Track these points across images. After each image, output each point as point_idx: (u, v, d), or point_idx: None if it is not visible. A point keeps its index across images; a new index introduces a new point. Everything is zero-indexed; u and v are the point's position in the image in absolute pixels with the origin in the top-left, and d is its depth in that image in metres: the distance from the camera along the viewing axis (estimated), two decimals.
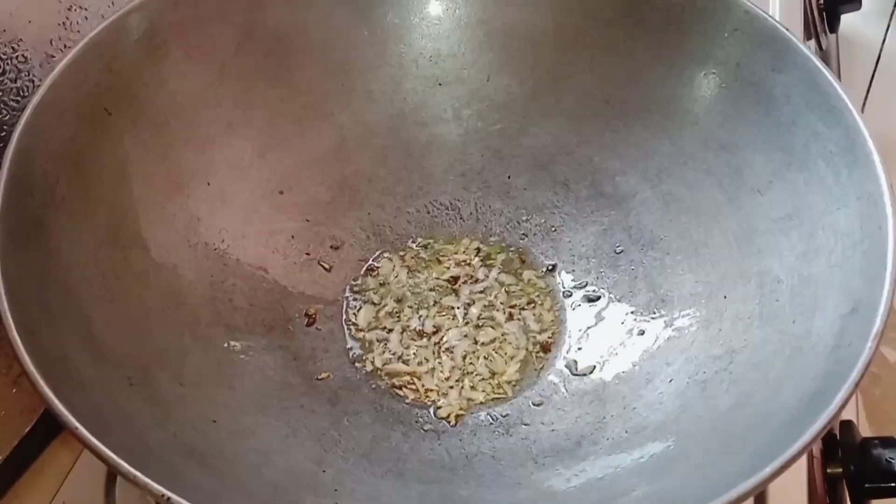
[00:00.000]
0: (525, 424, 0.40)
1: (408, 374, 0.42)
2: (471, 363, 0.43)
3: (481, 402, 0.42)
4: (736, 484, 0.29)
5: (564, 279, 0.46)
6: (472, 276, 0.46)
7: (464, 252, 0.47)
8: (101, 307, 0.37)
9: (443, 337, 0.44)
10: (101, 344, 0.35)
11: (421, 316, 0.45)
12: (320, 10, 0.46)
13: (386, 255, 0.47)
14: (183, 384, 0.37)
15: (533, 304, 0.45)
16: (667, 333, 0.42)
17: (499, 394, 0.42)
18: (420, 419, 0.41)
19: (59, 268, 0.36)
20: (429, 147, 0.49)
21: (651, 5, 0.44)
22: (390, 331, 0.44)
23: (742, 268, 0.41)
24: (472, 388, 0.42)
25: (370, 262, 0.47)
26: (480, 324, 0.44)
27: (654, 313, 0.43)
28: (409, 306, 0.45)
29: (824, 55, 0.66)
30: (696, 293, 0.42)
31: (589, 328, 0.44)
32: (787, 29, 0.41)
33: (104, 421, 0.31)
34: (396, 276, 0.46)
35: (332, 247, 0.46)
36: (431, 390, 0.42)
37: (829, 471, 0.42)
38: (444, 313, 0.45)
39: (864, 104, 0.68)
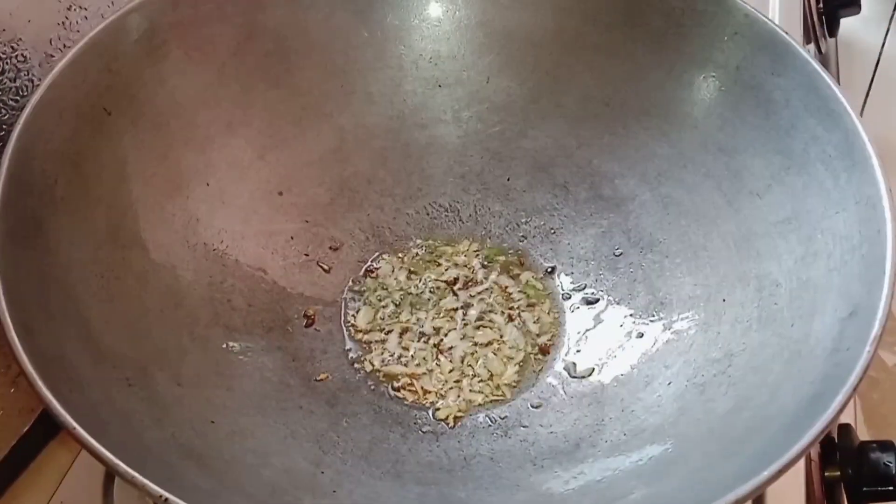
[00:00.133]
0: (523, 426, 0.40)
1: (406, 375, 0.42)
2: (469, 365, 0.43)
3: (480, 404, 0.42)
4: (734, 487, 0.29)
5: (563, 281, 0.46)
6: (471, 278, 0.46)
7: (463, 254, 0.47)
8: (99, 307, 0.37)
9: (442, 339, 0.44)
10: (99, 344, 0.35)
11: (420, 318, 0.45)
12: (320, 11, 0.46)
13: (385, 256, 0.47)
14: (181, 385, 0.37)
15: (532, 307, 0.45)
16: (665, 336, 0.42)
17: (497, 396, 0.42)
18: (418, 421, 0.41)
19: (58, 268, 0.36)
20: (428, 149, 0.49)
21: (651, 8, 0.44)
22: (389, 332, 0.44)
23: (741, 271, 0.41)
24: (471, 389, 0.42)
25: (369, 263, 0.47)
26: (479, 326, 0.44)
27: (653, 316, 0.43)
28: (408, 308, 0.45)
29: (824, 59, 0.66)
30: (695, 296, 0.42)
31: (588, 330, 0.44)
32: (786, 33, 0.41)
33: (102, 421, 0.31)
34: (395, 278, 0.46)
35: (331, 248, 0.46)
36: (430, 392, 0.42)
37: (826, 474, 0.42)
38: (443, 315, 0.45)
39: (863, 108, 0.68)
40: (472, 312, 0.45)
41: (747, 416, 0.35)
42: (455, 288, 0.46)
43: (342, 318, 0.45)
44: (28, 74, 0.40)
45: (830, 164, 0.38)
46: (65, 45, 0.41)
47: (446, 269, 0.47)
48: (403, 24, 0.48)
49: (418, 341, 0.44)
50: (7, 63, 0.39)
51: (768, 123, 0.41)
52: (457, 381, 0.42)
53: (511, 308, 0.45)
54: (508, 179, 0.48)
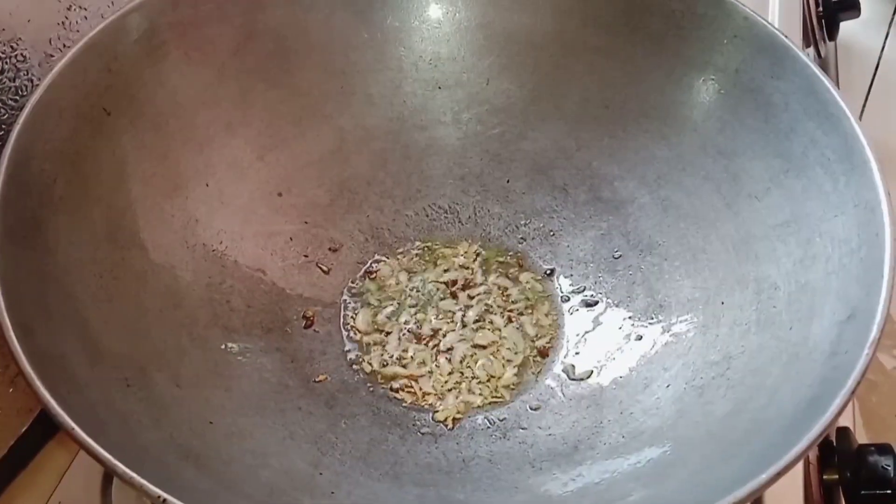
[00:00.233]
0: (522, 428, 0.40)
1: (405, 377, 0.42)
2: (468, 367, 0.43)
3: (479, 406, 0.42)
4: (732, 489, 0.29)
5: (562, 284, 0.46)
6: (470, 280, 0.46)
7: (462, 255, 0.47)
8: (98, 307, 0.37)
9: (441, 340, 0.44)
10: (98, 344, 0.35)
11: (419, 319, 0.45)
12: (320, 12, 0.46)
13: (384, 257, 0.47)
14: (180, 385, 0.37)
15: (531, 309, 0.45)
16: (664, 339, 0.42)
17: (496, 398, 0.42)
18: (417, 422, 0.41)
19: (57, 267, 0.36)
20: (428, 150, 0.49)
21: (651, 11, 0.44)
22: (388, 333, 0.44)
23: (739, 274, 0.41)
24: (470, 391, 0.42)
25: (368, 264, 0.47)
26: (478, 327, 0.44)
27: (652, 319, 0.43)
28: (407, 309, 0.45)
29: (823, 62, 0.66)
30: (694, 299, 0.42)
31: (587, 333, 0.44)
32: (786, 36, 0.41)
33: (100, 421, 0.31)
34: (395, 279, 0.46)
35: (330, 249, 0.46)
36: (429, 393, 0.42)
37: (825, 477, 0.42)
38: (442, 317, 0.45)
39: (862, 112, 0.68)
40: (471, 314, 0.45)
41: (746, 419, 0.35)
42: (454, 290, 0.46)
43: (341, 320, 0.45)
44: (27, 74, 0.40)
45: (829, 168, 0.38)
46: (64, 45, 0.41)
47: (445, 271, 0.47)
48: (404, 25, 0.48)
49: (417, 343, 0.44)
50: (6, 62, 0.39)
51: (767, 127, 0.41)
52: (456, 383, 0.42)
53: (510, 310, 0.45)
54: (508, 181, 0.48)
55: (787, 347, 0.36)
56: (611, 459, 0.37)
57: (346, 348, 0.44)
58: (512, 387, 0.42)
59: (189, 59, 0.43)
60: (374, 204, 0.48)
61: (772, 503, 0.40)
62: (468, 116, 0.48)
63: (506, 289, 0.46)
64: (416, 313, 0.45)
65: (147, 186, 0.41)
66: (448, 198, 0.48)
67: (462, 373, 0.43)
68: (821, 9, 0.66)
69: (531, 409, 0.41)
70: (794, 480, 0.41)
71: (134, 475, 0.28)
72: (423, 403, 0.42)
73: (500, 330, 0.44)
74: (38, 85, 0.37)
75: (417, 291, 0.46)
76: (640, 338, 0.43)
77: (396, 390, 0.42)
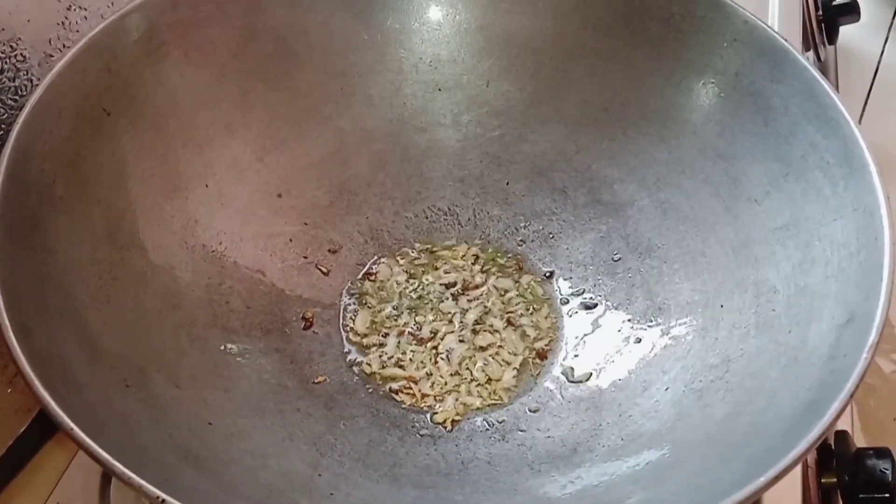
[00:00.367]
0: (521, 431, 0.40)
1: (404, 378, 0.42)
2: (467, 369, 0.43)
3: (478, 408, 0.42)
4: (731, 493, 0.29)
5: (562, 286, 0.46)
6: (469, 282, 0.46)
7: (462, 257, 0.47)
8: (97, 308, 0.37)
9: (440, 342, 0.44)
10: (97, 344, 0.35)
11: (418, 321, 0.45)
12: (320, 13, 0.46)
13: (384, 259, 0.47)
14: (179, 386, 0.37)
15: (530, 311, 0.45)
16: (663, 342, 0.42)
17: (495, 400, 0.42)
18: (416, 424, 0.41)
19: (56, 268, 0.36)
20: (428, 152, 0.49)
21: (650, 14, 0.44)
22: (387, 335, 0.44)
23: (739, 277, 0.41)
24: (469, 393, 0.42)
25: (368, 266, 0.47)
26: (477, 329, 0.44)
27: (651, 321, 0.43)
28: (406, 311, 0.45)
29: (823, 66, 0.66)
30: (693, 302, 0.42)
31: (586, 335, 0.44)
32: (785, 39, 0.41)
33: (99, 422, 0.31)
34: (394, 281, 0.46)
35: (329, 251, 0.46)
36: (428, 395, 0.42)
37: (823, 481, 0.42)
38: (441, 318, 0.45)
39: (861, 116, 0.68)
40: (471, 316, 0.45)
41: (744, 422, 0.35)
42: (453, 291, 0.46)
43: (340, 321, 0.45)
44: (27, 74, 0.40)
45: (829, 172, 0.38)
46: (64, 45, 0.41)
47: (445, 273, 0.47)
48: (404, 27, 0.48)
49: (416, 344, 0.44)
50: (6, 62, 0.39)
51: (767, 130, 0.41)
52: (455, 385, 0.42)
53: (509, 312, 0.45)
54: (507, 184, 0.48)
55: (786, 351, 0.36)
56: (609, 462, 0.37)
57: (346, 350, 0.44)
58: (511, 389, 0.42)
59: (189, 60, 0.43)
60: (373, 206, 0.48)
61: None
62: (468, 118, 0.49)
63: (505, 291, 0.46)
64: (415, 315, 0.45)
65: (147, 187, 0.41)
66: (448, 200, 0.49)
67: (461, 374, 0.43)
68: (820, 13, 0.66)
69: (530, 411, 0.41)
70: (793, 483, 0.41)
71: (133, 476, 0.28)
72: (422, 405, 0.42)
73: (499, 332, 0.44)
74: (37, 85, 0.37)
75: (417, 293, 0.46)
76: (639, 340, 0.43)
77: (395, 392, 0.42)
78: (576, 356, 0.43)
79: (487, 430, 0.41)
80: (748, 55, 0.42)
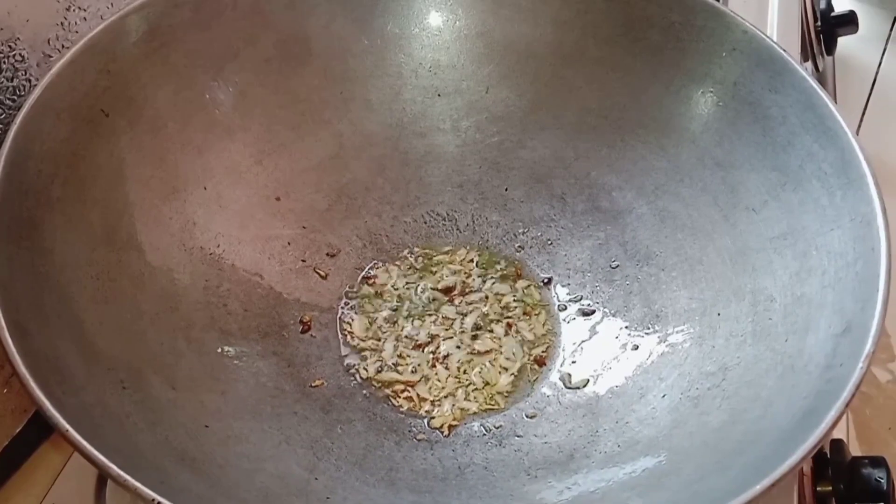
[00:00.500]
0: (518, 436, 0.40)
1: (402, 383, 0.42)
2: (465, 373, 0.43)
3: (475, 413, 0.42)
4: (726, 500, 0.29)
5: (560, 292, 0.46)
6: (467, 287, 0.46)
7: (460, 263, 0.47)
8: (94, 309, 0.36)
9: (437, 347, 0.44)
10: (93, 346, 0.35)
11: (416, 325, 0.45)
12: (321, 18, 0.46)
13: (382, 263, 0.47)
14: (175, 388, 0.37)
15: (528, 317, 0.45)
16: (660, 349, 0.42)
17: (491, 404, 0.42)
18: (413, 428, 0.41)
19: (53, 269, 0.36)
20: (426, 157, 0.49)
21: (650, 23, 0.45)
22: (385, 339, 0.44)
23: (736, 285, 0.41)
24: (466, 398, 0.42)
25: (366, 270, 0.47)
26: (475, 334, 0.44)
27: (648, 329, 0.43)
28: (404, 315, 0.45)
29: (821, 77, 0.66)
30: (691, 309, 0.42)
31: (583, 342, 0.44)
32: (784, 50, 0.41)
33: (95, 423, 0.31)
34: (392, 286, 0.46)
35: (328, 254, 0.46)
36: (425, 400, 0.42)
37: (818, 489, 0.42)
38: (438, 323, 0.45)
39: (859, 126, 0.68)
40: (468, 321, 0.45)
41: (740, 430, 0.35)
42: (451, 296, 0.46)
43: (338, 325, 0.45)
44: (26, 74, 0.40)
45: (826, 182, 0.39)
46: (63, 46, 0.41)
47: (443, 278, 0.47)
48: (404, 32, 0.48)
49: (414, 349, 0.44)
50: (4, 62, 0.39)
51: (765, 140, 0.42)
52: (452, 390, 0.42)
53: (507, 318, 0.45)
54: (506, 190, 0.48)
55: (783, 359, 0.37)
56: (606, 468, 0.37)
57: (343, 353, 0.44)
58: (506, 393, 0.42)
59: (189, 62, 0.43)
60: (372, 210, 0.48)
61: None
62: (467, 124, 0.49)
63: (503, 296, 0.46)
64: (413, 320, 0.45)
65: (145, 188, 0.41)
66: (446, 205, 0.49)
67: (458, 379, 0.43)
68: (819, 23, 0.66)
69: (527, 416, 0.41)
70: (788, 492, 0.41)
71: (128, 478, 0.28)
72: (419, 410, 0.42)
73: (497, 338, 0.44)
74: (35, 85, 0.37)
75: (415, 298, 0.46)
76: (636, 347, 0.43)
77: (393, 396, 0.42)
78: (573, 362, 0.43)
79: (484, 435, 0.41)
80: (747, 65, 0.42)
